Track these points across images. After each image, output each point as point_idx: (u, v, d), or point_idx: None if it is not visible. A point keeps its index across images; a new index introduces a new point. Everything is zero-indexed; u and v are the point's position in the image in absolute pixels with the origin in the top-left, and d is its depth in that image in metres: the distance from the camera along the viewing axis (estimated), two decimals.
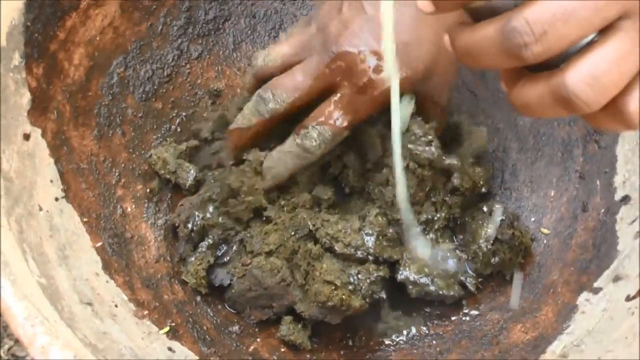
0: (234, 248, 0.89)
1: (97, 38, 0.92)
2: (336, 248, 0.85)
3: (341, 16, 0.84)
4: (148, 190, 0.93)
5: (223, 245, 0.90)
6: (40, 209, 0.79)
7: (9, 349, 1.09)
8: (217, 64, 1.02)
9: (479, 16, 0.54)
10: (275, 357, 0.85)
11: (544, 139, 0.98)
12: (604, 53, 0.50)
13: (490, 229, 0.89)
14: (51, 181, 0.83)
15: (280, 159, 0.87)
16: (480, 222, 0.90)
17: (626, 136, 0.90)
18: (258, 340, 0.87)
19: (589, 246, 0.89)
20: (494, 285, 0.91)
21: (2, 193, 0.73)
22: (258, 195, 0.89)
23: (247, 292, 0.87)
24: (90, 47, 0.91)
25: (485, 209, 0.91)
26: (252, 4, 1.04)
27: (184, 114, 0.99)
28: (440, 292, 0.88)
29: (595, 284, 0.85)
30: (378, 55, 0.83)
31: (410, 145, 0.86)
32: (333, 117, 0.84)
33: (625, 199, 0.88)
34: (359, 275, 0.84)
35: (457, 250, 0.91)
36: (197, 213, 0.90)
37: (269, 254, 0.86)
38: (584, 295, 0.85)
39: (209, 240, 0.90)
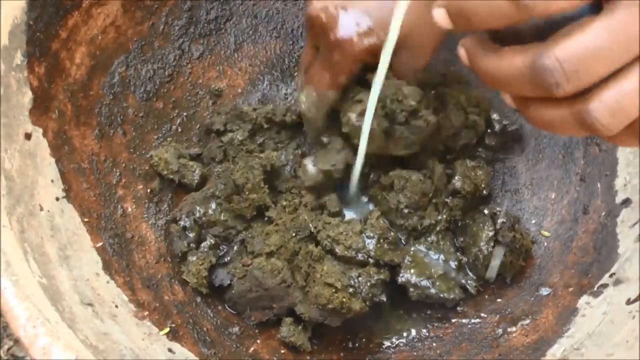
0: (235, 248, 0.89)
1: (99, 37, 0.92)
2: (337, 250, 0.85)
3: None
4: (149, 191, 0.93)
5: (224, 245, 0.90)
6: (42, 209, 0.79)
7: (8, 349, 1.09)
8: (218, 64, 1.02)
9: (498, 35, 0.54)
10: (275, 359, 0.85)
11: (545, 141, 0.98)
12: (629, 83, 0.50)
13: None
14: (52, 181, 0.83)
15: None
16: (481, 224, 0.90)
17: None
18: (258, 341, 0.87)
19: (590, 249, 0.89)
20: (494, 287, 0.91)
21: (3, 192, 0.73)
22: (262, 194, 0.88)
23: (248, 292, 0.87)
24: (92, 46, 0.91)
25: (486, 211, 0.91)
26: (254, 4, 1.04)
27: (185, 113, 0.99)
28: (441, 295, 0.88)
29: (596, 287, 0.85)
30: (347, 17, 0.83)
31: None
32: (315, 78, 0.87)
33: (626, 202, 0.88)
34: (360, 278, 0.84)
35: (457, 253, 0.91)
36: (198, 208, 0.90)
37: (270, 254, 0.86)
38: (585, 298, 0.85)
39: (211, 240, 0.90)
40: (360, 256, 0.85)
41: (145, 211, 0.92)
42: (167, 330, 0.82)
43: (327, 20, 0.83)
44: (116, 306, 0.80)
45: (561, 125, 0.54)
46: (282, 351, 0.86)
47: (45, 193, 0.81)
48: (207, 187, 0.92)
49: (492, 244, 0.89)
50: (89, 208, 0.86)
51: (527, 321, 0.86)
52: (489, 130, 0.97)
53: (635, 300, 0.79)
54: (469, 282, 0.90)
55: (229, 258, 0.90)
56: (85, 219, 0.85)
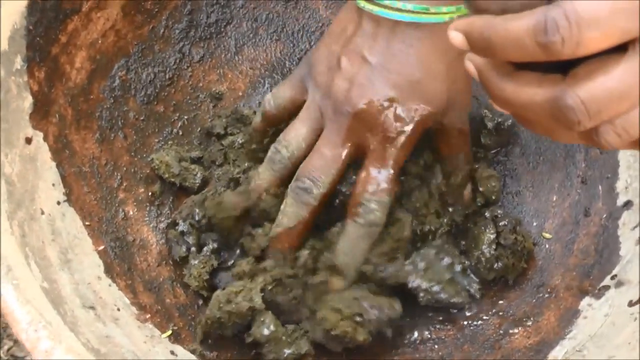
0: (237, 252, 0.89)
1: (99, 41, 0.92)
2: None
3: (342, 73, 0.82)
4: (150, 194, 0.93)
5: (224, 252, 0.90)
6: (42, 213, 0.79)
7: (8, 350, 1.09)
8: (219, 67, 1.02)
9: None
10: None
11: (546, 143, 0.98)
12: (613, 76, 0.49)
13: None
14: (53, 185, 0.83)
15: (353, 248, 0.83)
16: (482, 227, 0.90)
17: None
18: None
19: (591, 251, 0.89)
20: (495, 289, 0.90)
21: (4, 197, 0.73)
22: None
23: None
24: (92, 50, 0.91)
25: (487, 214, 0.91)
26: (254, 7, 1.04)
27: (185, 117, 0.99)
28: (451, 300, 0.88)
29: (598, 289, 0.85)
30: (393, 101, 0.81)
31: None
32: (380, 180, 0.81)
33: (628, 204, 0.88)
34: (371, 310, 0.83)
35: (461, 257, 0.90)
36: (197, 211, 0.90)
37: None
38: (586, 300, 0.85)
39: (213, 245, 0.90)
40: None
41: (146, 214, 0.92)
42: (169, 333, 0.82)
43: (380, 115, 0.81)
44: (118, 309, 0.80)
45: (566, 139, 0.54)
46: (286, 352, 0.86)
47: (46, 197, 0.81)
48: (207, 189, 0.92)
49: (494, 246, 0.89)
50: (90, 212, 0.86)
51: (529, 323, 0.86)
52: (483, 130, 0.97)
53: (637, 302, 0.79)
54: (472, 285, 0.90)
55: (232, 262, 0.89)
56: (87, 223, 0.85)
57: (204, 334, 0.84)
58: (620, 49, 0.48)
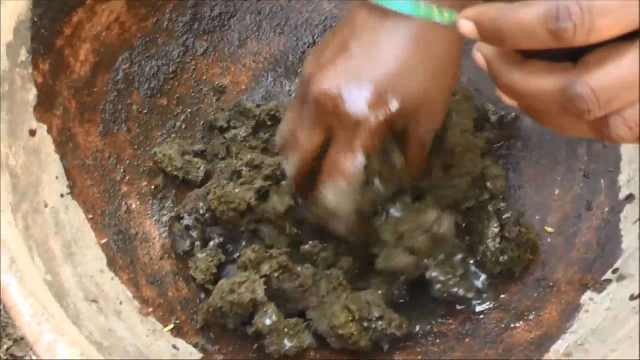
0: (244, 244, 0.89)
1: (103, 34, 0.92)
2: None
3: (321, 59, 0.79)
4: (153, 187, 0.93)
5: (229, 245, 0.90)
6: (46, 206, 0.79)
7: (7, 349, 1.09)
8: (222, 61, 1.02)
9: None
10: (279, 355, 0.85)
11: (548, 137, 0.98)
12: (624, 65, 0.49)
13: None
14: (57, 177, 0.83)
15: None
16: (486, 222, 0.90)
17: None
18: None
19: (593, 245, 0.89)
20: (497, 283, 0.90)
21: (9, 189, 0.73)
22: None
23: None
24: (96, 43, 0.91)
25: (490, 208, 0.91)
26: (258, 0, 1.04)
27: (189, 110, 0.99)
28: (465, 295, 0.88)
29: (600, 283, 0.85)
30: (360, 87, 0.76)
31: None
32: (341, 167, 0.78)
33: (630, 198, 0.88)
34: (379, 321, 0.83)
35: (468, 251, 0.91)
36: (201, 204, 0.91)
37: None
38: (588, 294, 0.85)
39: (219, 239, 0.90)
40: None
41: (149, 208, 0.92)
42: (171, 326, 0.83)
43: (340, 101, 0.76)
44: (121, 303, 0.80)
45: (574, 132, 0.54)
46: (287, 346, 0.86)
47: (50, 190, 0.81)
48: (211, 183, 0.93)
49: (498, 240, 0.89)
50: (93, 205, 0.86)
51: (531, 317, 0.86)
52: (486, 124, 0.97)
53: (638, 296, 0.79)
54: (480, 280, 0.90)
55: (238, 254, 0.90)
56: (90, 216, 0.85)
57: (204, 322, 0.84)
58: (630, 37, 0.48)
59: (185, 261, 0.90)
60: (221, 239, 0.90)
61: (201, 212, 0.90)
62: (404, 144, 0.82)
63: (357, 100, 0.76)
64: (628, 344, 0.74)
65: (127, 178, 0.92)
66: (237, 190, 0.88)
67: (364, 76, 0.77)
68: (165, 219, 0.92)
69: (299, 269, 0.85)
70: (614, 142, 0.52)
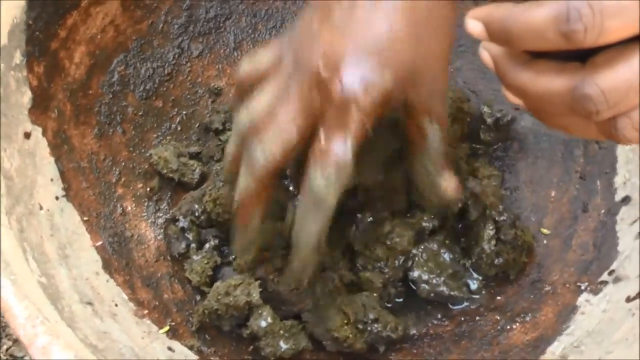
0: None
1: (98, 36, 0.92)
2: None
3: (312, 33, 0.70)
4: (148, 189, 0.93)
5: (224, 247, 0.90)
6: (41, 208, 0.79)
7: (7, 350, 1.09)
8: (217, 63, 1.02)
9: None
10: (274, 357, 0.85)
11: (545, 138, 0.98)
12: (633, 66, 0.49)
13: None
14: (52, 180, 0.83)
15: (302, 225, 0.72)
16: (481, 224, 0.90)
17: None
18: None
19: (590, 247, 0.89)
20: (493, 285, 0.90)
21: (3, 192, 0.73)
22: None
23: None
24: (91, 46, 0.91)
25: (486, 212, 0.91)
26: (253, 2, 1.04)
27: (184, 112, 0.99)
28: (451, 294, 0.88)
29: (596, 285, 0.85)
30: (355, 66, 0.68)
31: None
32: (331, 153, 0.68)
33: (626, 200, 0.88)
34: (374, 324, 0.83)
35: (462, 253, 0.91)
36: (196, 206, 0.91)
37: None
38: (584, 295, 0.85)
39: (215, 241, 0.90)
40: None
41: (144, 210, 0.92)
42: (166, 328, 0.82)
43: (329, 75, 0.68)
44: (116, 305, 0.80)
45: (579, 132, 0.54)
46: (283, 347, 0.86)
47: (45, 192, 0.81)
48: (206, 185, 0.93)
49: (494, 242, 0.89)
50: (88, 207, 0.86)
51: (527, 319, 0.86)
52: (482, 126, 0.96)
53: (635, 298, 0.79)
54: (474, 282, 0.90)
55: (233, 257, 0.89)
56: (85, 218, 0.85)
57: (200, 323, 0.84)
58: (638, 39, 0.48)
59: (180, 263, 0.90)
60: (216, 241, 0.90)
61: (196, 214, 0.91)
62: (411, 116, 0.73)
63: (351, 77, 0.67)
64: (624, 345, 0.74)
65: (123, 180, 0.92)
66: (232, 193, 0.88)
67: (352, 50, 0.68)
68: (160, 221, 0.92)
69: None
70: (621, 143, 0.53)
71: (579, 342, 0.79)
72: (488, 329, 0.87)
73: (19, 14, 0.81)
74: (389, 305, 0.88)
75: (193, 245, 0.90)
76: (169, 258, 0.90)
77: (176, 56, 1.00)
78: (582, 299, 0.85)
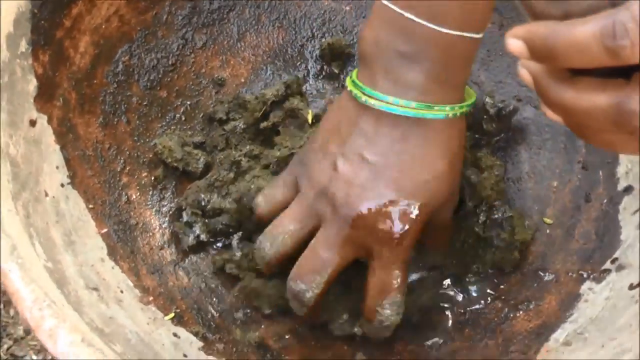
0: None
1: (103, 26, 0.92)
2: None
3: (340, 174, 0.78)
4: (153, 178, 0.93)
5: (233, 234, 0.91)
6: (47, 195, 0.79)
7: (8, 349, 1.09)
8: (221, 54, 1.02)
9: None
10: (280, 345, 0.85)
11: (547, 129, 0.98)
12: None
13: None
14: (57, 167, 0.83)
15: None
16: (474, 219, 0.90)
17: None
18: (263, 327, 0.87)
19: (592, 236, 0.89)
20: (496, 273, 0.91)
21: (9, 178, 0.73)
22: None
23: None
24: (96, 35, 0.91)
25: (478, 210, 0.91)
26: None
27: (188, 102, 0.99)
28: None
29: (599, 273, 0.85)
30: (395, 203, 0.76)
31: None
32: (390, 283, 0.79)
33: (628, 189, 0.89)
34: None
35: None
36: (202, 196, 0.91)
37: None
38: (587, 284, 0.85)
39: (225, 241, 0.91)
40: None
41: (149, 198, 0.92)
42: (172, 315, 0.83)
43: (383, 220, 0.77)
44: (121, 291, 0.81)
45: (624, 148, 0.53)
46: (287, 337, 0.86)
47: (51, 179, 0.81)
48: (211, 174, 0.93)
49: (486, 241, 0.90)
50: (93, 195, 0.86)
51: (530, 307, 0.87)
52: (485, 116, 0.97)
53: (637, 286, 0.79)
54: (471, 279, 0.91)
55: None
56: (90, 206, 0.85)
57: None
58: None
59: (187, 254, 0.91)
60: (223, 241, 0.92)
61: (202, 203, 0.91)
62: (430, 232, 0.83)
63: (395, 216, 0.77)
64: (627, 332, 0.74)
65: (127, 169, 0.92)
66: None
67: (395, 190, 0.77)
68: (165, 209, 0.93)
69: None
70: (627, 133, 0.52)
71: (583, 329, 0.80)
72: (492, 317, 0.87)
73: (24, 2, 0.81)
74: None
75: (203, 235, 0.90)
76: (173, 246, 0.90)
77: (180, 47, 1.00)
78: (585, 287, 0.85)
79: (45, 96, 0.83)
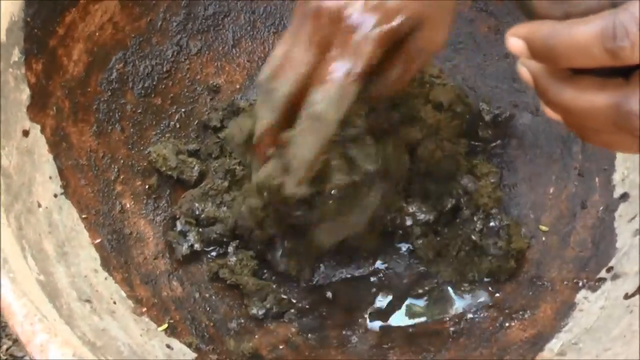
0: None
1: (97, 34, 0.92)
2: None
3: None
4: (147, 187, 0.93)
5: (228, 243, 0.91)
6: (40, 206, 0.79)
7: (7, 349, 1.09)
8: (216, 60, 1.02)
9: None
10: (274, 355, 0.85)
11: (543, 135, 0.98)
12: None
13: None
14: (50, 177, 0.83)
15: (300, 143, 0.72)
16: (471, 227, 0.90)
17: None
18: (256, 337, 0.87)
19: (588, 244, 0.89)
20: (492, 282, 0.91)
21: (1, 190, 0.73)
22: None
23: None
24: (90, 43, 0.91)
25: (475, 217, 0.91)
26: (252, 0, 1.04)
27: (183, 110, 0.99)
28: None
29: (594, 282, 0.85)
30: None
31: None
32: (333, 72, 0.70)
33: (624, 197, 0.88)
34: None
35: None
36: (197, 205, 0.91)
37: None
38: (583, 292, 0.85)
39: (219, 250, 0.91)
40: None
41: (143, 207, 0.92)
42: (165, 326, 0.83)
43: (342, 9, 0.70)
44: (114, 302, 0.80)
45: (623, 148, 0.53)
46: (281, 347, 0.86)
47: (44, 190, 0.81)
48: (205, 182, 0.93)
49: (482, 249, 0.90)
50: (87, 204, 0.86)
51: (525, 316, 0.87)
52: (480, 123, 0.96)
53: (633, 295, 0.79)
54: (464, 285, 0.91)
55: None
56: (84, 216, 0.85)
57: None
58: None
59: (181, 263, 0.90)
60: (236, 242, 0.92)
61: (197, 212, 0.91)
62: (396, 53, 0.74)
63: (359, 10, 0.70)
64: (622, 342, 0.74)
65: (121, 177, 0.92)
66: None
67: None
68: (159, 218, 0.92)
69: None
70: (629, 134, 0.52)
71: (577, 340, 0.80)
72: (486, 326, 0.87)
73: (17, 11, 0.81)
74: None
75: (197, 245, 0.90)
76: (167, 255, 0.90)
77: (175, 54, 1.00)
78: (580, 296, 0.85)
79: (38, 105, 0.83)
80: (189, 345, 0.82)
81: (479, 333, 0.87)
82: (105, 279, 0.82)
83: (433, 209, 0.91)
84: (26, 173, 0.79)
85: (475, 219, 0.90)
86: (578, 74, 0.51)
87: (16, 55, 0.81)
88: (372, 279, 0.91)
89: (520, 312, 0.87)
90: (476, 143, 0.97)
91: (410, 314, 0.90)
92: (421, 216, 0.91)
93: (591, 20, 0.47)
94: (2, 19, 0.79)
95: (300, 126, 0.72)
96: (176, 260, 0.90)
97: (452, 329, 0.88)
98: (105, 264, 0.84)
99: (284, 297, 0.89)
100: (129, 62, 0.96)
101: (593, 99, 0.50)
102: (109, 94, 0.93)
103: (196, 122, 0.99)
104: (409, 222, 0.90)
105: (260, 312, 0.88)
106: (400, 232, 0.92)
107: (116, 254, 0.86)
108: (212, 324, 0.86)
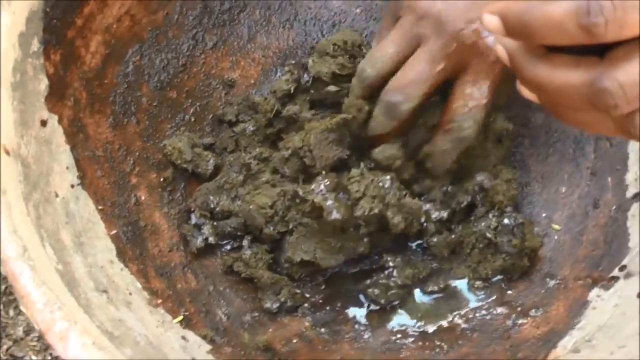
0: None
1: (114, 26, 0.92)
2: None
3: None
4: (162, 179, 0.93)
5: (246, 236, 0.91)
6: (57, 196, 0.79)
7: (7, 349, 1.09)
8: (231, 55, 1.02)
9: None
10: (287, 348, 0.85)
11: (556, 135, 0.98)
12: None
13: None
14: (67, 168, 0.83)
15: (440, 157, 0.88)
16: (484, 224, 0.90)
17: None
18: (270, 330, 0.87)
19: (600, 242, 0.89)
20: (505, 279, 0.91)
21: (20, 179, 0.73)
22: None
23: None
24: (107, 35, 0.91)
25: (490, 215, 0.91)
26: None
27: (198, 103, 0.99)
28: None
29: (607, 280, 0.85)
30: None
31: None
32: (475, 96, 0.83)
33: (637, 196, 0.89)
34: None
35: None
36: (212, 198, 0.91)
37: None
38: (595, 291, 0.85)
39: (233, 243, 0.91)
40: None
41: (158, 200, 0.92)
42: (180, 318, 0.83)
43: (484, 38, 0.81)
44: (130, 294, 0.80)
45: (595, 127, 0.54)
46: (294, 341, 0.86)
47: (61, 180, 0.81)
48: (220, 176, 0.93)
49: (495, 247, 0.90)
50: (103, 196, 0.86)
51: (538, 313, 0.87)
52: None
53: None
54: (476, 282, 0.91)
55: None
56: (100, 207, 0.85)
57: None
58: None
59: (196, 256, 0.90)
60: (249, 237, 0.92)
61: (212, 205, 0.91)
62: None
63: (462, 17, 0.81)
64: (635, 339, 0.74)
65: (137, 170, 0.92)
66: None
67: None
68: (174, 211, 0.92)
69: None
70: (637, 140, 0.52)
71: (591, 337, 0.80)
72: (499, 323, 0.88)
73: (37, 1, 0.81)
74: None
75: (211, 238, 0.90)
76: (182, 248, 0.90)
77: (190, 47, 1.00)
78: (593, 294, 0.85)
79: (56, 96, 0.83)
80: (204, 337, 0.82)
81: (491, 330, 0.87)
82: (121, 270, 0.82)
83: (447, 206, 0.92)
84: (44, 163, 0.79)
85: (490, 216, 0.90)
86: (553, 51, 0.51)
87: (35, 45, 0.81)
88: (385, 274, 0.90)
89: (533, 310, 0.87)
90: None
91: (423, 310, 0.90)
92: (435, 214, 0.91)
93: None
94: (22, 9, 0.79)
95: (439, 143, 0.87)
96: (191, 253, 0.90)
97: (464, 325, 0.89)
98: (121, 255, 0.84)
99: (298, 291, 0.89)
100: (145, 55, 0.95)
101: (568, 76, 0.50)
102: (125, 86, 0.93)
103: (211, 116, 0.99)
104: (422, 220, 0.90)
105: (274, 306, 0.88)
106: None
107: (131, 245, 0.86)
108: (226, 317, 0.86)
